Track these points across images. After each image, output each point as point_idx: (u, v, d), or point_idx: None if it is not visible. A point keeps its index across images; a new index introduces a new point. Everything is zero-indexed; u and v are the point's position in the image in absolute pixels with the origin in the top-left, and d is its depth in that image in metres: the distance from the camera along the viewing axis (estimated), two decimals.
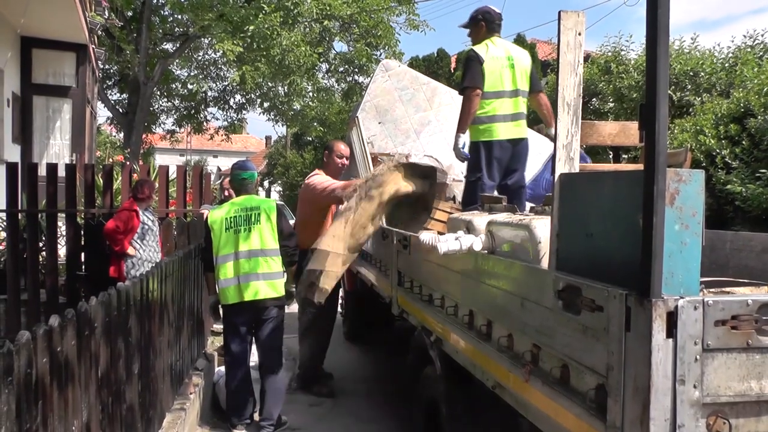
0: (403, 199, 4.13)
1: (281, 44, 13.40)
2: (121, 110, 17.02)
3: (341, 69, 16.90)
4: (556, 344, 1.89)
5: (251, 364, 4.40)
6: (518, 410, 2.18)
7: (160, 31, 15.83)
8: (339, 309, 5.93)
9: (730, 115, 6.99)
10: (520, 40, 15.12)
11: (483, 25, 4.24)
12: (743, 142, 6.58)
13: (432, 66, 17.87)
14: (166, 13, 15.73)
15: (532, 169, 4.57)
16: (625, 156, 8.05)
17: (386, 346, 6.35)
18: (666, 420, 1.48)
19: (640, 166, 1.90)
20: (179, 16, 15.41)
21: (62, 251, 6.65)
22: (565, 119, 2.12)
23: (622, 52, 11.31)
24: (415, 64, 17.70)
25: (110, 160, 13.99)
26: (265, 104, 17.46)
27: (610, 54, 11.39)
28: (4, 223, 6.55)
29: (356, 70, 16.51)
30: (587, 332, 1.72)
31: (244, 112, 19.07)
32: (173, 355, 3.91)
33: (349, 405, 4.92)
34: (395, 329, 5.85)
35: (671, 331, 1.48)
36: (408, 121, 6.47)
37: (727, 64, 9.63)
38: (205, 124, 19.29)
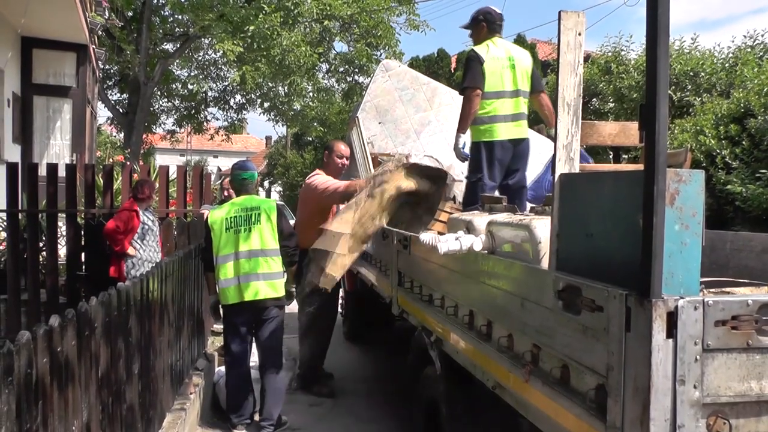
0: (406, 198, 4.12)
1: (281, 44, 13.40)
2: (121, 110, 17.03)
3: (341, 69, 16.89)
4: (556, 344, 1.89)
5: (251, 364, 4.40)
6: (518, 410, 2.18)
7: (161, 31, 15.84)
8: (339, 309, 5.94)
9: (730, 116, 7.00)
10: (520, 40, 15.12)
11: (484, 25, 4.25)
12: (743, 143, 6.58)
13: (432, 66, 17.86)
14: (167, 13, 15.74)
15: (533, 170, 4.57)
16: (626, 156, 8.04)
17: (386, 346, 6.34)
18: (666, 420, 1.48)
19: (640, 167, 1.90)
20: (179, 17, 15.41)
21: (62, 251, 6.65)
22: (565, 119, 2.12)
23: (623, 52, 11.31)
24: (416, 64, 17.70)
25: (110, 160, 13.99)
26: (266, 104, 17.47)
27: (610, 54, 11.40)
28: (5, 223, 6.55)
29: (356, 70, 16.50)
30: (587, 332, 1.72)
31: (244, 112, 19.11)
32: (173, 355, 3.91)
33: (349, 405, 4.92)
34: (395, 329, 5.84)
35: (671, 331, 1.48)
36: (408, 121, 6.47)
37: (727, 65, 9.63)
38: (205, 124, 19.29)
